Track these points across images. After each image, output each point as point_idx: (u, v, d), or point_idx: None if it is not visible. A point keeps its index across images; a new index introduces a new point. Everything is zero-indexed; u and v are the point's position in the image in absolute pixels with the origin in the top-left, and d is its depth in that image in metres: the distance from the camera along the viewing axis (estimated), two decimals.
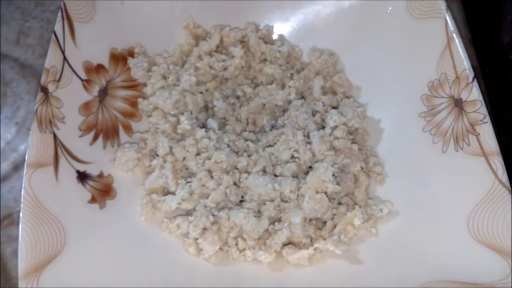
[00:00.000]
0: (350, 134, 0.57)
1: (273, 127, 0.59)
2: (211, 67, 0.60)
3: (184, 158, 0.55)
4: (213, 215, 0.52)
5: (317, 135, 0.54)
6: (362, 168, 0.55)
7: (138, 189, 0.55)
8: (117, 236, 0.51)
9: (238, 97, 0.61)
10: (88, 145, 0.54)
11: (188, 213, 0.54)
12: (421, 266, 0.48)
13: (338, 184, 0.53)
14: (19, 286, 0.43)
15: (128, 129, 0.58)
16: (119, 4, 0.58)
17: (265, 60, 0.61)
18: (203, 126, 0.57)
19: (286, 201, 0.53)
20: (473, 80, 0.50)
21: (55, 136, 0.50)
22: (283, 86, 0.60)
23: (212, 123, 0.57)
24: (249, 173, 0.54)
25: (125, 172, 0.55)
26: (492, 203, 0.46)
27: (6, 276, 0.55)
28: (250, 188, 0.53)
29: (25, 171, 0.47)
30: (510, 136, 0.55)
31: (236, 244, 0.52)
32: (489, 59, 0.59)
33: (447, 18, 0.52)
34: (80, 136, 0.53)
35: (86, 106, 0.54)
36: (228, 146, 0.55)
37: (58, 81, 0.52)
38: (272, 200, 0.53)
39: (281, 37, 0.63)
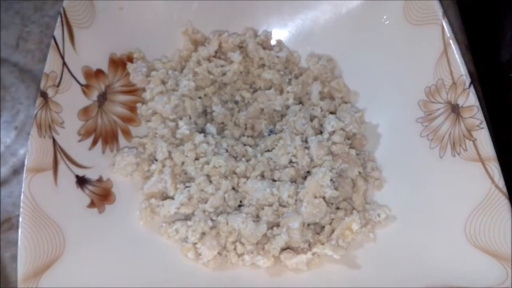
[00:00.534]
0: (348, 139, 0.57)
1: (271, 132, 0.59)
2: (209, 72, 0.60)
3: (183, 163, 0.55)
4: (211, 219, 0.53)
5: (315, 140, 0.54)
6: (360, 173, 0.55)
7: (137, 194, 0.55)
8: (116, 241, 0.51)
9: (236, 102, 0.61)
10: (87, 150, 0.54)
11: (187, 217, 0.54)
12: (418, 271, 0.48)
13: (336, 189, 0.53)
14: None
15: (127, 134, 0.58)
16: (118, 9, 0.58)
17: (263, 65, 0.62)
18: (202, 131, 0.57)
19: (284, 206, 0.53)
20: (469, 86, 0.50)
21: (54, 140, 0.50)
22: (281, 91, 0.60)
23: (211, 128, 0.57)
24: (247, 178, 0.54)
25: (124, 176, 0.55)
26: (489, 208, 0.47)
27: (5, 280, 0.55)
28: (248, 193, 0.54)
29: (24, 175, 0.47)
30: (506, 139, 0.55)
31: (235, 249, 0.52)
32: (489, 77, 0.59)
33: (444, 24, 0.53)
34: (79, 140, 0.54)
35: (85, 111, 0.55)
36: (227, 151, 0.56)
37: (58, 86, 0.52)
38: (270, 205, 0.53)
39: (279, 42, 0.63)
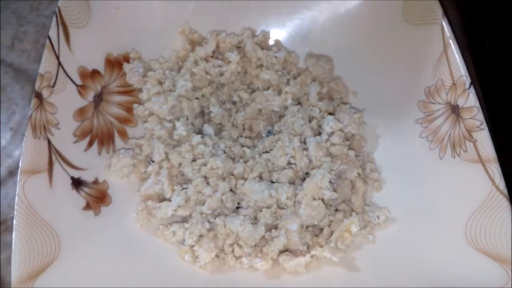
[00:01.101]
0: (347, 140, 0.57)
1: (269, 133, 0.59)
2: (207, 73, 0.59)
3: (180, 164, 0.54)
4: (209, 222, 0.52)
5: (314, 141, 0.54)
6: (359, 174, 0.55)
7: (134, 196, 0.55)
8: (112, 243, 0.50)
9: (234, 103, 0.61)
10: (83, 151, 0.54)
11: (184, 220, 0.53)
12: (418, 273, 0.48)
13: (335, 190, 0.53)
14: None
15: (123, 135, 0.57)
16: (114, 9, 0.58)
17: (261, 65, 0.61)
18: (199, 132, 0.56)
19: (282, 208, 0.53)
20: (469, 86, 0.50)
21: (49, 142, 0.50)
22: (279, 92, 0.60)
23: (208, 129, 0.57)
24: (245, 179, 0.54)
25: (120, 178, 0.55)
26: (489, 210, 0.46)
27: (1, 282, 0.54)
28: (246, 195, 0.53)
29: (18, 177, 0.46)
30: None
31: (232, 251, 0.52)
32: (489, 77, 0.59)
33: (444, 24, 0.52)
34: (75, 142, 0.53)
35: (81, 112, 0.54)
36: (224, 152, 0.55)
37: (53, 86, 0.51)
38: (268, 207, 0.52)
39: (277, 42, 0.63)
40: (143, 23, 0.60)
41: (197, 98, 0.59)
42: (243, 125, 0.59)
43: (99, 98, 0.56)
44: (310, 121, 0.57)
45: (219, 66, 0.60)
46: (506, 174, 0.47)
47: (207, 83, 0.60)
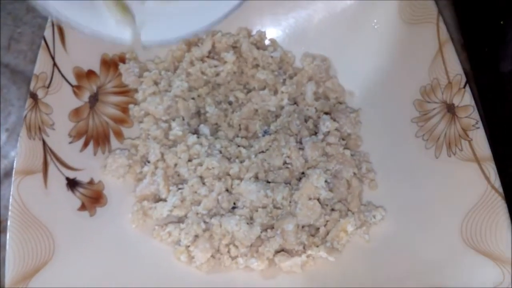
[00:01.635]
0: (343, 139, 0.57)
1: (265, 132, 0.59)
2: (203, 73, 0.59)
3: (175, 165, 0.54)
4: (205, 222, 0.52)
5: (310, 141, 0.54)
6: (355, 174, 0.54)
7: (129, 196, 0.54)
8: (108, 244, 0.50)
9: (230, 103, 0.60)
10: (78, 152, 0.53)
11: (180, 220, 0.53)
12: (414, 272, 0.48)
13: (330, 190, 0.52)
14: None
15: (119, 135, 0.57)
16: None
17: (257, 65, 0.61)
18: (195, 132, 0.56)
19: (278, 208, 0.52)
20: (465, 85, 0.50)
21: (44, 142, 0.50)
22: (275, 92, 0.60)
23: (204, 129, 0.57)
24: (241, 179, 0.54)
25: (116, 179, 0.55)
26: (485, 209, 0.46)
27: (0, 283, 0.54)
28: (242, 195, 0.53)
29: (13, 178, 0.46)
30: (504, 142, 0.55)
31: (228, 252, 0.51)
32: (485, 76, 0.59)
33: (439, 23, 0.52)
34: (70, 142, 0.53)
35: (76, 112, 0.54)
36: (220, 152, 0.55)
37: (48, 87, 0.51)
38: (264, 207, 0.52)
39: (273, 42, 0.63)
40: None
41: (193, 98, 0.59)
42: (239, 125, 0.59)
43: (94, 99, 0.56)
44: (306, 121, 0.57)
45: (215, 66, 0.60)
46: (501, 172, 0.46)
47: (203, 83, 0.60)
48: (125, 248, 0.51)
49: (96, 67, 0.57)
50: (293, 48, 0.62)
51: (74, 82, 0.54)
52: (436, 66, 0.52)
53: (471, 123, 0.49)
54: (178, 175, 0.55)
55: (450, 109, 0.51)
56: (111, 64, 0.58)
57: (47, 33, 0.52)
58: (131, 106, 0.58)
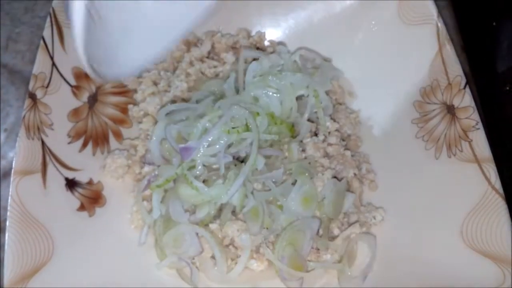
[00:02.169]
0: (343, 140, 0.57)
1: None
2: (202, 73, 0.59)
3: None
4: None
5: (311, 142, 0.54)
6: (355, 174, 0.54)
7: (128, 197, 0.54)
8: (106, 245, 0.50)
9: None
10: (77, 152, 0.53)
11: None
12: (414, 273, 0.48)
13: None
14: None
15: (118, 135, 0.57)
16: None
17: None
18: None
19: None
20: (465, 86, 0.50)
21: (43, 143, 0.50)
22: None
23: None
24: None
25: (115, 179, 0.55)
26: (485, 210, 0.46)
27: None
28: None
29: (12, 178, 0.46)
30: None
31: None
32: (484, 77, 0.59)
33: (439, 24, 0.53)
34: (69, 142, 0.53)
35: (75, 113, 0.54)
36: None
37: (47, 87, 0.51)
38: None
39: (272, 43, 0.62)
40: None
41: None
42: None
43: (93, 99, 0.56)
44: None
45: (215, 66, 0.60)
46: (501, 173, 0.46)
47: (203, 83, 0.60)
48: (124, 248, 0.51)
49: None
50: (292, 49, 0.62)
51: (73, 82, 0.54)
52: (436, 67, 0.52)
53: (471, 124, 0.49)
54: None
55: (450, 110, 0.51)
56: None
57: (46, 33, 0.52)
58: (130, 106, 0.58)
